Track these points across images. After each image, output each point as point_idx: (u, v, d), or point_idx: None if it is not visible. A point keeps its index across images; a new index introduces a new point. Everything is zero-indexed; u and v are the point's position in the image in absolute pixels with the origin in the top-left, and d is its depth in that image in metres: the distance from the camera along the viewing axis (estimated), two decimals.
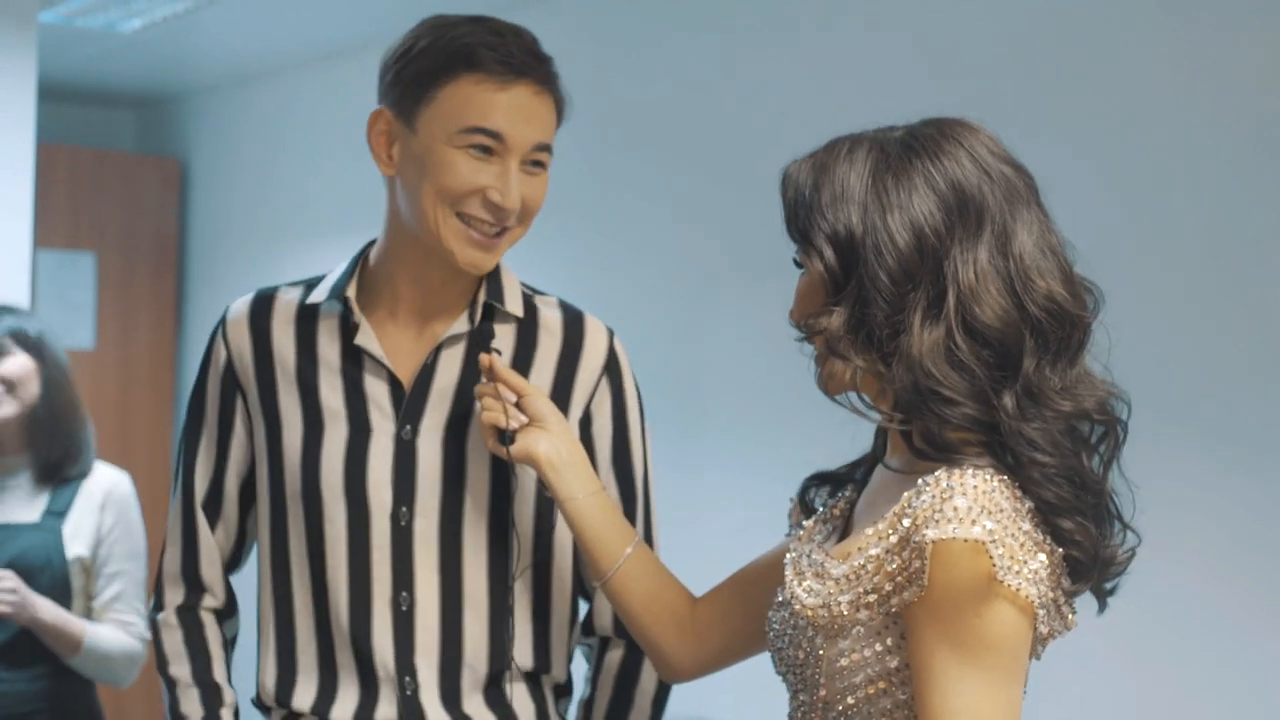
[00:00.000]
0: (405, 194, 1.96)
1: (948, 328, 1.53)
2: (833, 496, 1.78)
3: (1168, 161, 3.11)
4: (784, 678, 1.69)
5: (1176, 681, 3.05)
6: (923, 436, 1.56)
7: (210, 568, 2.08)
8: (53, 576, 3.22)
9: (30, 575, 3.19)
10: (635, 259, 4.30)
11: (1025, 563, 1.50)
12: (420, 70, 1.93)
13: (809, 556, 1.66)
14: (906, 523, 1.52)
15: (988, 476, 1.52)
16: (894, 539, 1.54)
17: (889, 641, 1.56)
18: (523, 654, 2.03)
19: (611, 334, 2.10)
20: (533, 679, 2.04)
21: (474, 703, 1.99)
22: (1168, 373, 3.08)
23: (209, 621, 2.09)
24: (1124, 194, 3.17)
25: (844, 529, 1.71)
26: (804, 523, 1.75)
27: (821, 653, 1.59)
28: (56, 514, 3.28)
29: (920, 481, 1.54)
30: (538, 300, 2.09)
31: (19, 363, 3.26)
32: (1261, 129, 2.97)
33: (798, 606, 1.60)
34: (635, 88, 4.35)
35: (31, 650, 3.20)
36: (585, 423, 2.05)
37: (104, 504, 3.30)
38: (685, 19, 4.21)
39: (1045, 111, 3.32)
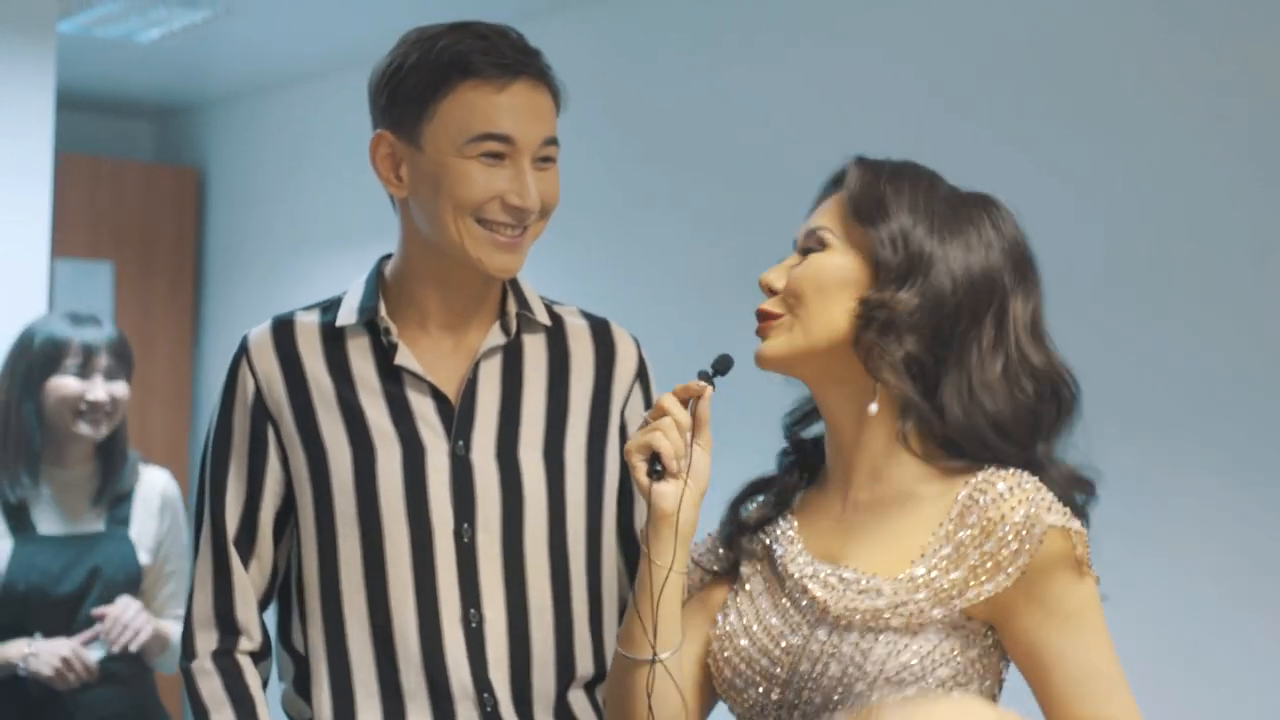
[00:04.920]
0: (423, 212, 1.94)
1: (1007, 361, 1.69)
2: (758, 532, 1.80)
3: (1168, 174, 3.09)
4: (776, 714, 1.68)
5: (1182, 696, 3.03)
6: (962, 433, 1.68)
7: (245, 608, 1.99)
8: (130, 584, 3.25)
9: (114, 585, 3.22)
10: (656, 269, 4.30)
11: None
12: (415, 86, 1.91)
13: (838, 575, 1.68)
14: (989, 514, 1.62)
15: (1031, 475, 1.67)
16: (968, 534, 1.62)
17: (947, 650, 1.63)
18: (584, 664, 2.02)
19: (637, 341, 2.11)
20: (590, 688, 2.03)
21: (545, 715, 1.98)
22: (1176, 387, 3.07)
23: (247, 666, 1.99)
24: (1131, 206, 3.16)
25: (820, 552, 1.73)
26: (771, 544, 1.77)
27: (886, 664, 1.61)
28: (121, 521, 3.29)
29: (978, 479, 1.65)
30: (558, 309, 2.09)
31: (123, 388, 3.29)
32: (1259, 141, 2.96)
33: (857, 617, 1.64)
34: (654, 99, 4.34)
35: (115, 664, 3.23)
36: (622, 430, 2.06)
37: (162, 507, 3.35)
38: (704, 30, 4.21)
39: (1050, 121, 3.31)
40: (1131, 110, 3.20)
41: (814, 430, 1.83)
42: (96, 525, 3.26)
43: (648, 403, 2.08)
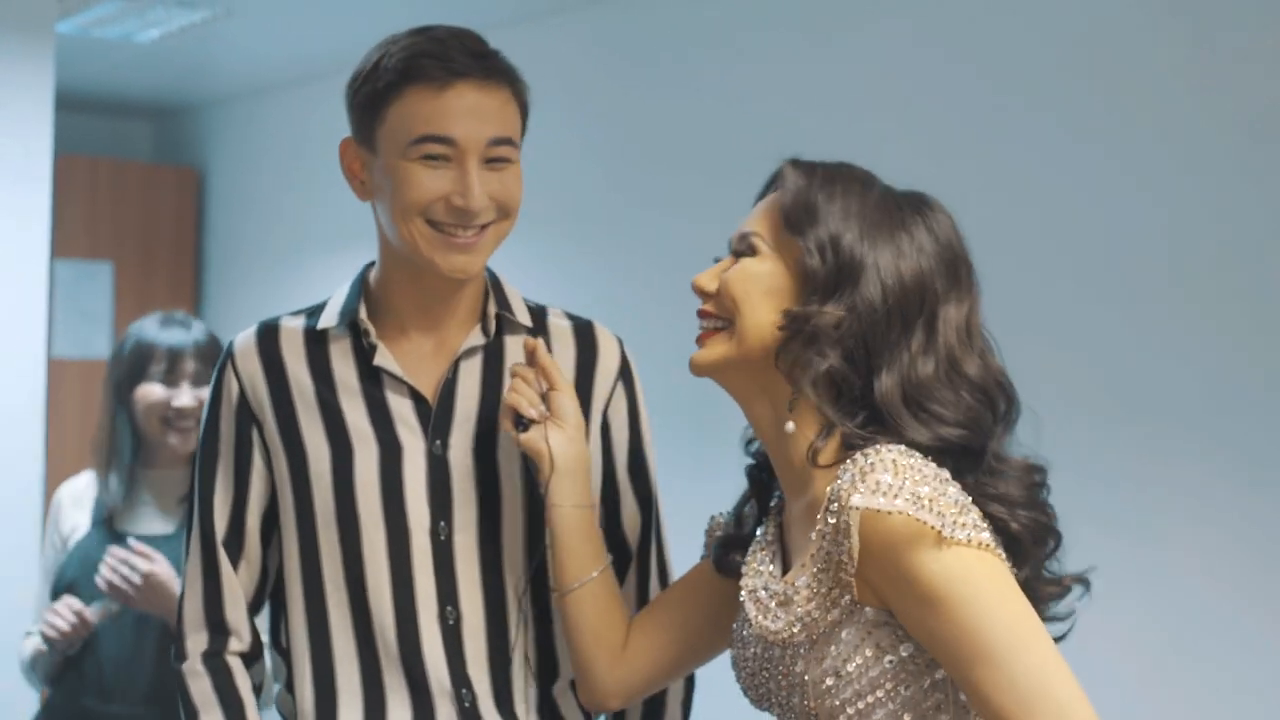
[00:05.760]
0: (383, 216, 1.96)
1: (937, 363, 1.65)
2: (743, 548, 1.83)
3: (1194, 166, 3.10)
4: (769, 710, 1.74)
5: (1188, 697, 3.04)
6: (850, 433, 1.65)
7: (234, 609, 2.01)
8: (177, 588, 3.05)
9: None
10: (654, 269, 4.30)
11: (961, 513, 1.56)
12: (369, 93, 1.93)
13: (767, 589, 1.70)
14: (835, 506, 1.58)
15: (904, 449, 1.59)
16: (829, 528, 1.58)
17: (868, 653, 1.60)
18: (565, 662, 2.02)
19: (621, 341, 2.11)
20: (575, 686, 2.03)
21: (527, 712, 1.99)
22: (1191, 385, 3.07)
23: (236, 667, 2.01)
24: (1144, 205, 3.16)
25: (784, 554, 1.76)
26: (745, 559, 1.80)
27: (807, 677, 1.62)
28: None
29: (839, 469, 1.60)
30: (543, 311, 2.09)
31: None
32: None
33: (771, 637, 1.65)
34: (653, 100, 4.35)
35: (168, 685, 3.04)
36: (604, 429, 2.06)
37: None
38: (701, 31, 4.21)
39: (1054, 122, 3.31)
40: (1150, 109, 3.20)
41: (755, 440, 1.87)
42: (167, 528, 3.13)
43: (631, 402, 2.09)
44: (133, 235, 6.12)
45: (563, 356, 2.06)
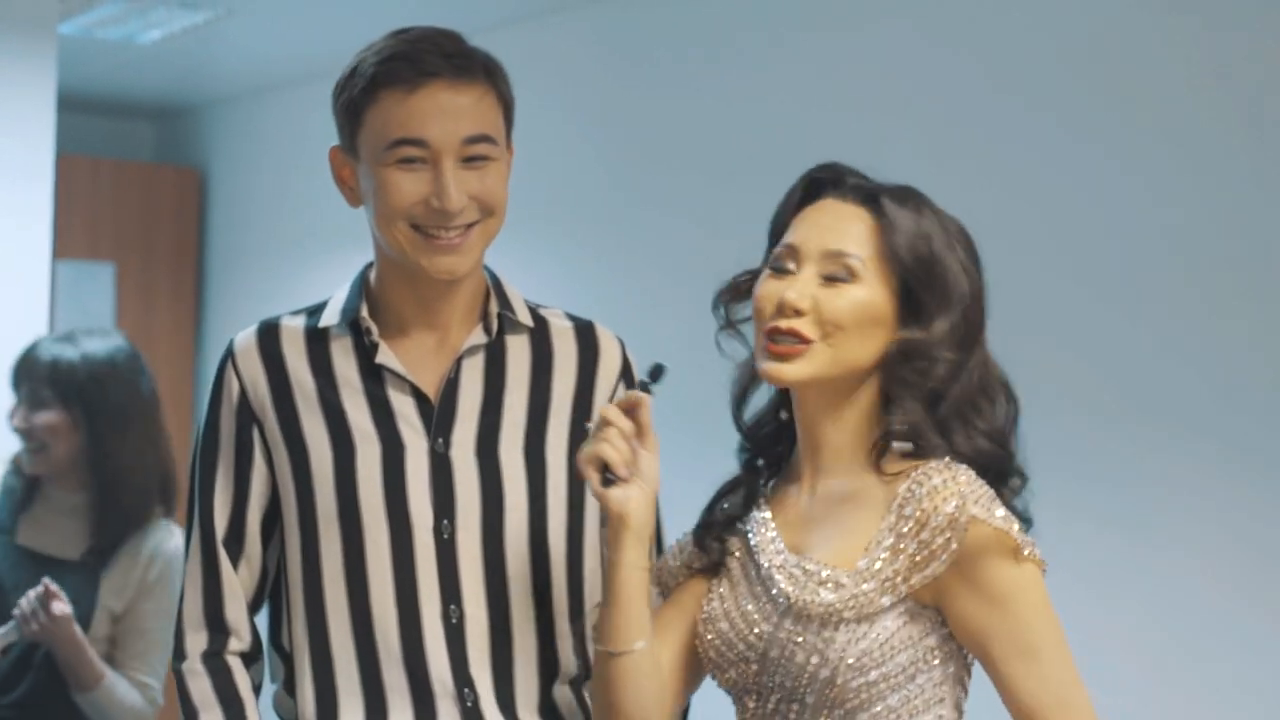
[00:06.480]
0: (371, 221, 1.97)
1: (984, 373, 1.80)
2: (726, 533, 1.89)
3: (1195, 165, 3.10)
4: (750, 693, 1.80)
5: (1188, 697, 3.04)
6: (913, 436, 1.78)
7: (234, 608, 2.01)
8: (77, 619, 2.95)
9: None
10: (654, 269, 4.30)
11: (1025, 533, 1.74)
12: (347, 100, 1.94)
13: (801, 566, 1.77)
14: (924, 506, 1.71)
15: (965, 468, 1.74)
16: (908, 526, 1.72)
17: (901, 639, 1.73)
18: (568, 661, 2.02)
19: (622, 342, 2.11)
20: (575, 685, 2.04)
21: (529, 711, 1.99)
22: (1192, 384, 3.07)
23: (236, 667, 2.00)
24: (1145, 204, 3.17)
25: (792, 540, 1.83)
26: (747, 532, 1.86)
27: (844, 654, 1.72)
28: (99, 555, 3.03)
29: (917, 473, 1.73)
30: (544, 312, 2.10)
31: (51, 417, 3.00)
32: None
33: (816, 609, 1.73)
34: (653, 99, 4.35)
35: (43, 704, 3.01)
36: None
37: (153, 556, 3.04)
38: (701, 31, 4.21)
39: (1056, 122, 3.32)
40: (1163, 101, 3.20)
41: (768, 424, 1.93)
42: (72, 553, 3.03)
43: None
44: (134, 236, 6.12)
45: (564, 356, 2.06)
